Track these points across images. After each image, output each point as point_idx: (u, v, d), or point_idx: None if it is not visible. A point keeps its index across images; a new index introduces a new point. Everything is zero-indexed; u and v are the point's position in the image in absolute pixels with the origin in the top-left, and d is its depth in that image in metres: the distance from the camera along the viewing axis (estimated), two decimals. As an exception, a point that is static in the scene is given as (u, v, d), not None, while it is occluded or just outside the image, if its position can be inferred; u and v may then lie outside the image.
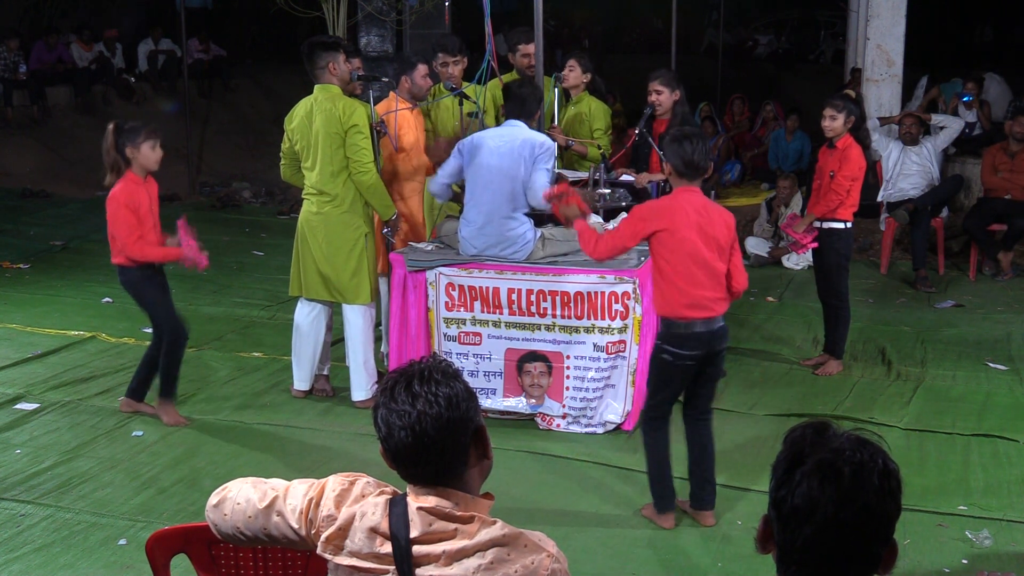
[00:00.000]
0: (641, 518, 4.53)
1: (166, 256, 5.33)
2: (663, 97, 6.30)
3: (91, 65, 15.26)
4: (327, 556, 2.10)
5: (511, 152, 5.29)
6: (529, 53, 6.53)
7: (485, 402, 5.44)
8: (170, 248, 5.33)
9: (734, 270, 4.32)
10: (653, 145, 6.29)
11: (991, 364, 6.52)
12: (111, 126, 5.24)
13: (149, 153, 5.21)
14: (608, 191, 5.88)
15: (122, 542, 4.25)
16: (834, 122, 6.22)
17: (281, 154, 5.76)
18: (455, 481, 2.06)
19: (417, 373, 2.05)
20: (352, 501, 2.11)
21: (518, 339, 5.44)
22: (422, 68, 6.07)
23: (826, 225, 6.24)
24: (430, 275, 5.51)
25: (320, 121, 5.46)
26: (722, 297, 4.29)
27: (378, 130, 5.71)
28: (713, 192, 6.73)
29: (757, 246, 9.38)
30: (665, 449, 4.45)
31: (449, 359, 2.18)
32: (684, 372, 4.33)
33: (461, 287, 5.47)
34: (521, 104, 5.44)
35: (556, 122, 6.67)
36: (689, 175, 4.26)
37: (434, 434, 2.00)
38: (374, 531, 2.05)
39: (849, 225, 6.29)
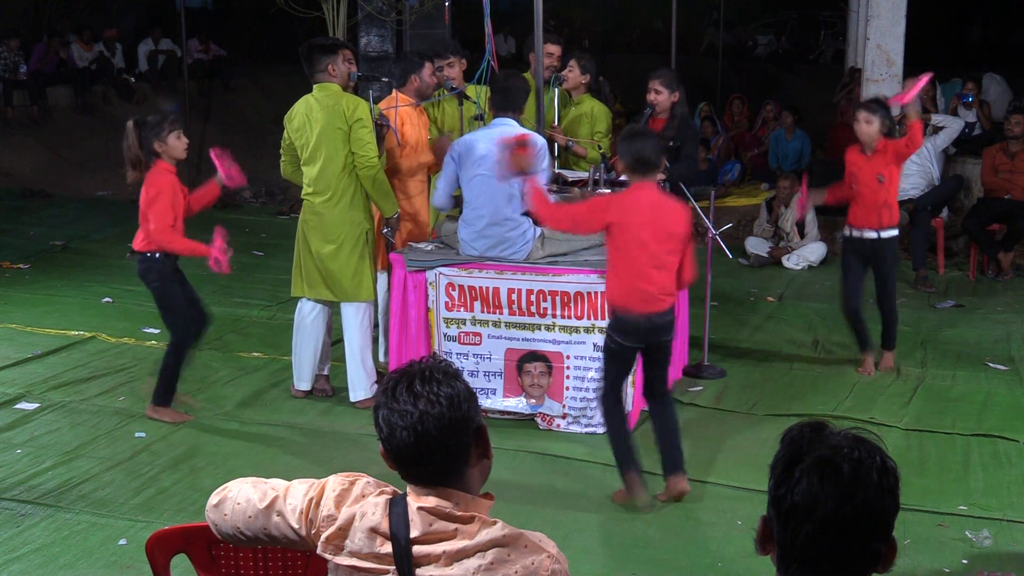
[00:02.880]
0: (640, 518, 4.52)
1: (194, 250, 5.27)
2: (661, 97, 6.30)
3: (91, 65, 15.27)
4: (327, 556, 2.10)
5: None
6: (552, 53, 6.57)
7: (485, 402, 5.44)
8: (199, 244, 5.29)
9: (686, 263, 4.51)
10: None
11: (991, 364, 6.52)
12: (131, 123, 5.30)
13: (176, 143, 5.30)
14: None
15: (122, 542, 4.25)
16: (870, 127, 6.07)
17: (281, 151, 5.76)
18: (455, 481, 2.05)
19: (418, 373, 2.05)
20: (352, 501, 2.11)
21: (518, 339, 5.44)
22: (429, 66, 6.10)
23: (885, 235, 6.15)
24: (430, 275, 5.51)
25: (323, 117, 5.46)
26: (671, 292, 4.50)
27: (380, 123, 5.71)
28: (713, 192, 6.71)
29: (757, 246, 9.37)
30: (623, 420, 4.68)
31: (449, 359, 2.17)
32: (627, 357, 4.62)
33: (461, 287, 5.47)
34: (505, 96, 5.41)
35: (557, 123, 6.67)
36: (642, 171, 4.43)
37: (436, 434, 2.00)
38: (374, 531, 2.05)
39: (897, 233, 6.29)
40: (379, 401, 2.07)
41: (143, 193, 5.27)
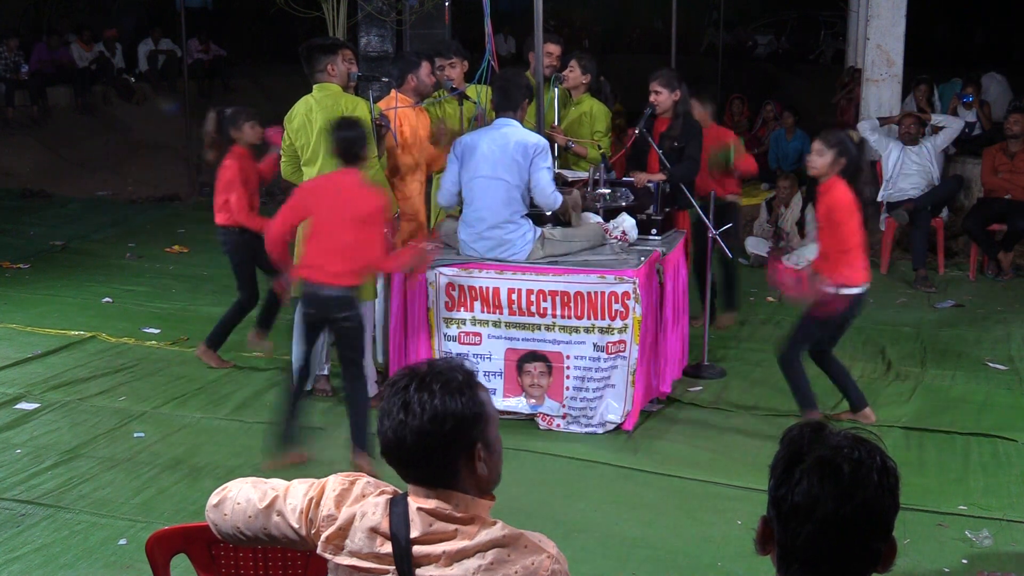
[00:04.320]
0: (639, 519, 4.53)
1: (261, 226, 5.77)
2: (662, 97, 6.31)
3: (91, 65, 15.28)
4: (327, 556, 2.10)
5: (504, 157, 5.28)
6: (551, 52, 6.57)
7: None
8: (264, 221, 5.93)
9: (371, 244, 4.73)
10: (652, 144, 6.29)
11: (991, 364, 6.52)
12: (213, 113, 6.25)
13: (249, 131, 6.14)
14: (608, 191, 5.88)
15: (122, 542, 4.25)
16: (820, 158, 5.09)
17: (281, 151, 5.77)
18: (452, 484, 2.04)
19: (420, 376, 2.02)
20: (352, 501, 2.11)
21: (518, 339, 5.44)
22: (426, 66, 6.09)
23: (828, 290, 5.13)
24: (430, 275, 5.50)
25: (322, 118, 5.45)
26: (350, 271, 4.77)
27: (379, 123, 5.71)
28: (713, 192, 6.70)
29: (757, 246, 9.37)
30: (290, 396, 4.99)
31: (468, 370, 2.07)
32: (308, 327, 4.95)
33: (461, 287, 5.47)
34: (504, 95, 5.42)
35: (557, 123, 6.66)
36: (347, 159, 4.81)
37: (412, 443, 1.99)
38: (374, 531, 2.05)
39: (855, 291, 5.14)
40: (383, 391, 2.07)
41: (219, 175, 6.15)
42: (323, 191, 4.85)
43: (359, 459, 4.85)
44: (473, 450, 2.02)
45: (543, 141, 5.39)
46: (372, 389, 5.74)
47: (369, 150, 5.47)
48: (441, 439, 1.98)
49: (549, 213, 5.50)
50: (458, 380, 2.02)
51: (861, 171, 5.29)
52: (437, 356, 5.48)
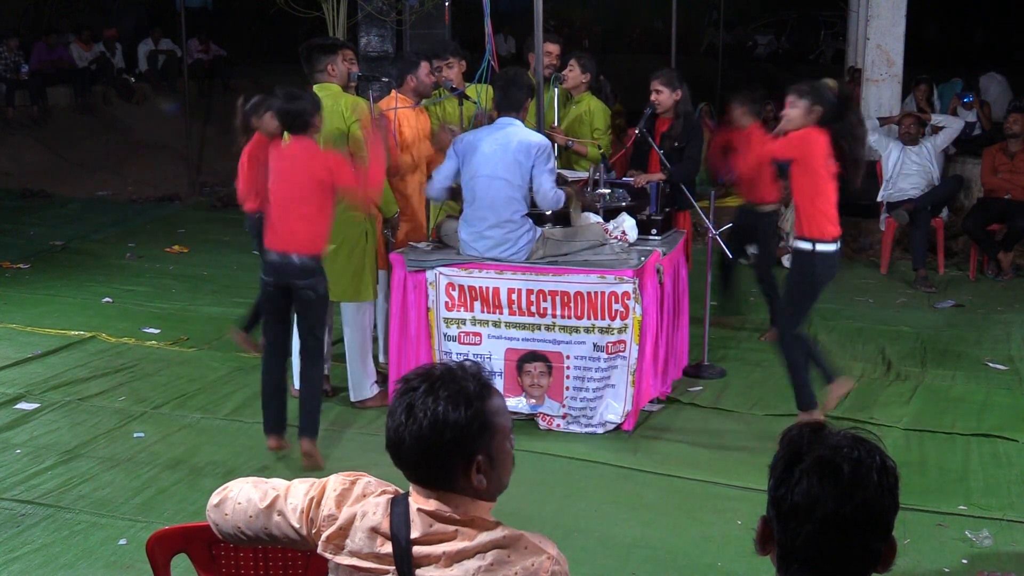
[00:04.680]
0: (639, 519, 4.53)
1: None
2: (663, 97, 6.31)
3: (91, 65, 15.28)
4: (328, 555, 2.10)
5: (505, 156, 5.28)
6: (551, 52, 6.57)
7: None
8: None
9: (346, 189, 4.85)
10: (653, 145, 6.29)
11: (991, 364, 6.52)
12: (240, 100, 6.22)
13: (269, 120, 5.88)
14: (608, 191, 5.88)
15: (122, 542, 4.25)
16: (794, 110, 5.01)
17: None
18: (451, 487, 2.04)
19: (430, 380, 2.01)
20: (353, 500, 2.11)
21: (518, 339, 5.44)
22: (425, 66, 6.10)
23: (799, 244, 5.18)
24: (430, 275, 5.50)
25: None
26: (316, 237, 4.87)
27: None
28: (713, 192, 6.70)
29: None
30: (267, 369, 5.03)
31: (484, 379, 2.05)
32: (269, 295, 4.99)
33: (461, 287, 5.47)
34: (506, 94, 5.42)
35: (557, 122, 6.66)
36: (288, 126, 4.91)
37: (410, 447, 1.99)
38: (375, 531, 2.05)
39: (828, 248, 5.07)
40: (395, 387, 2.07)
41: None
42: (279, 158, 4.93)
43: (304, 444, 4.92)
44: (473, 461, 2.00)
45: (546, 142, 5.39)
46: (372, 389, 5.75)
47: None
48: (440, 447, 1.98)
49: (549, 212, 5.50)
50: (469, 390, 2.00)
51: (841, 120, 5.04)
52: (437, 356, 5.49)
